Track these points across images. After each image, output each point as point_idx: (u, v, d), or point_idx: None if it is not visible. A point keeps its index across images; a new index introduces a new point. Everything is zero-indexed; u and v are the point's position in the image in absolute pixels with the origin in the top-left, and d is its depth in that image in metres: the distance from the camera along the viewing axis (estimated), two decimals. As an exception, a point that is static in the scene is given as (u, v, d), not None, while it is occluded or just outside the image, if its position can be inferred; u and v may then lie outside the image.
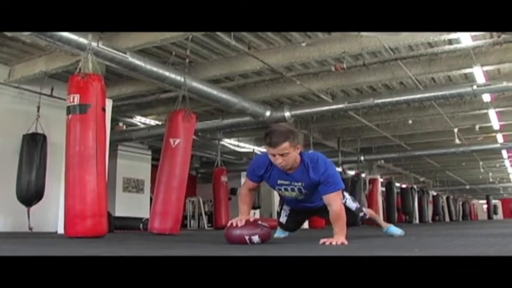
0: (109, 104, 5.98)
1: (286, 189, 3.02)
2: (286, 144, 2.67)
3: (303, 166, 2.83)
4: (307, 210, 3.31)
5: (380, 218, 4.10)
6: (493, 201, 29.59)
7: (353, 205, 3.33)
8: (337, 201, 2.81)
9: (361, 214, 3.37)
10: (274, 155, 2.72)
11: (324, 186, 2.81)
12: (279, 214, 3.53)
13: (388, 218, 13.06)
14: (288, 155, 2.70)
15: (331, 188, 2.80)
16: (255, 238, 2.72)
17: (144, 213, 8.74)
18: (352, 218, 3.00)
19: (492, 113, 8.73)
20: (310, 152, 2.96)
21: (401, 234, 3.74)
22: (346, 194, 3.37)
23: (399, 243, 2.78)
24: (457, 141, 9.70)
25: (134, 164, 10.59)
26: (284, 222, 3.50)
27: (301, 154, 2.83)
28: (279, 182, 2.98)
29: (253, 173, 3.01)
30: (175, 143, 5.08)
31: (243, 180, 15.17)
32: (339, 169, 11.79)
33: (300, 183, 2.92)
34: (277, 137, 2.69)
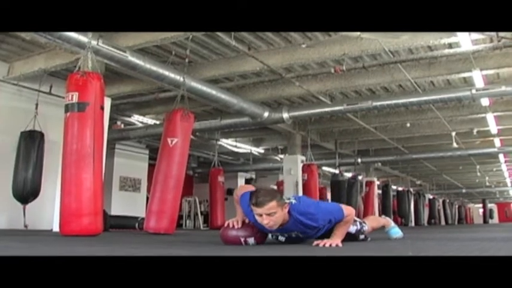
0: (107, 103, 5.95)
1: (282, 235, 2.99)
2: (273, 203, 2.57)
3: (293, 220, 2.75)
4: (304, 239, 3.30)
5: (381, 220, 4.04)
6: (489, 205, 29.64)
7: (353, 228, 3.25)
8: (350, 213, 2.88)
9: (362, 236, 3.33)
10: (260, 215, 2.59)
11: (333, 221, 2.81)
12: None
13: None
14: (274, 214, 2.59)
15: (338, 217, 2.81)
16: (251, 240, 2.73)
17: (140, 212, 8.73)
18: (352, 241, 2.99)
19: (490, 117, 8.77)
20: (292, 203, 2.77)
21: (399, 236, 3.73)
22: None
23: (394, 246, 2.78)
24: (455, 144, 9.73)
25: (131, 163, 10.58)
26: (282, 241, 3.47)
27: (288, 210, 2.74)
28: (272, 233, 2.94)
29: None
30: (173, 142, 5.07)
31: (239, 180, 15.09)
32: (336, 171, 11.81)
33: (295, 231, 2.88)
34: (263, 196, 2.58)
